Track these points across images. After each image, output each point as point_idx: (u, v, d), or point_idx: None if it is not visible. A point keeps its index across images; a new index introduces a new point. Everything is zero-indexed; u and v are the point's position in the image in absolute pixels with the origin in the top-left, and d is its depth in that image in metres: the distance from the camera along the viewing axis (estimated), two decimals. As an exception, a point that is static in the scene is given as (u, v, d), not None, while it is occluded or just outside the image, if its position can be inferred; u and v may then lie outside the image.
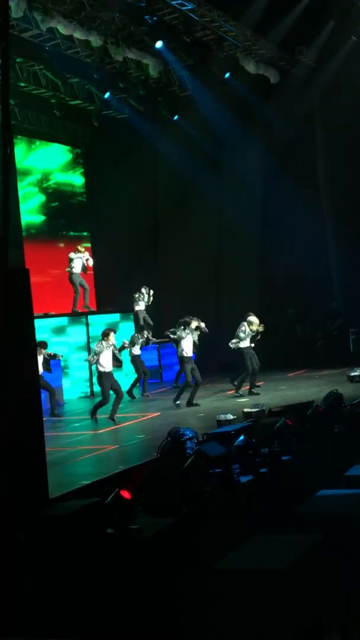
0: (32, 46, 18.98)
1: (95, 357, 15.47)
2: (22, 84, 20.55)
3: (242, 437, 10.21)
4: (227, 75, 21.34)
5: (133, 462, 10.87)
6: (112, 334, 15.82)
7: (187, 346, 17.04)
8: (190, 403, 16.69)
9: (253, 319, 17.94)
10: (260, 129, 23.15)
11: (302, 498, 7.74)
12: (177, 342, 17.24)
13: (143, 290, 21.06)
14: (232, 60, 21.13)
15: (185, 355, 17.03)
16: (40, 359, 16.06)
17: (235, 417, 13.14)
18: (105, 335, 15.80)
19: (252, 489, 9.31)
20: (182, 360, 17.13)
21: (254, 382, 17.80)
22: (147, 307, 21.21)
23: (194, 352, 17.43)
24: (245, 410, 13.66)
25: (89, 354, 18.93)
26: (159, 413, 16.18)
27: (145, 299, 21.03)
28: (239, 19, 20.17)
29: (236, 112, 22.52)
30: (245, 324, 17.79)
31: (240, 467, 9.76)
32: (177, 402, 16.67)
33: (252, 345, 17.86)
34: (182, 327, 17.23)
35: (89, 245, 24.63)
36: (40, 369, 15.85)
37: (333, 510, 7.66)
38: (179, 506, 8.49)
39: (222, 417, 13.14)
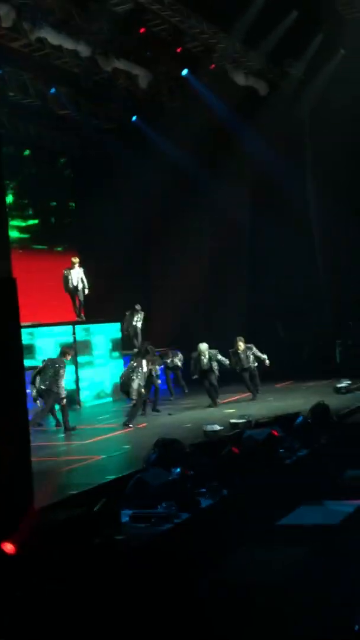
0: (21, 56, 18.96)
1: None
2: (11, 94, 20.53)
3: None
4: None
5: (120, 472, 10.85)
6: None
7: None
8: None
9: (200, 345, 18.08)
10: (249, 140, 23.19)
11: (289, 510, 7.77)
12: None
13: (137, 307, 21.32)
14: (221, 71, 21.20)
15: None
16: (33, 392, 15.87)
17: (222, 427, 13.13)
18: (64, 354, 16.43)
19: (238, 502, 9.30)
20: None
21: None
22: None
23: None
24: (232, 421, 13.67)
25: (75, 362, 19.06)
26: (145, 424, 16.15)
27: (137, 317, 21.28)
28: (229, 31, 20.26)
29: (226, 124, 22.55)
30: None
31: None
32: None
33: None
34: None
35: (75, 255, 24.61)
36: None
37: (315, 523, 7.69)
38: (166, 516, 8.48)
39: (208, 427, 13.14)
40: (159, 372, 17.91)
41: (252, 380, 18.59)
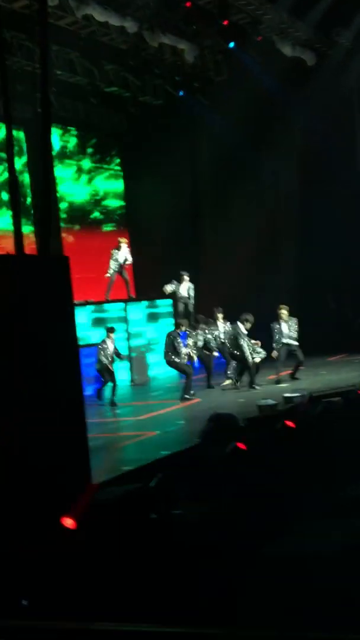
0: (68, 34, 18.97)
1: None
2: (58, 72, 20.56)
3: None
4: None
5: (175, 447, 10.88)
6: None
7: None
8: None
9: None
10: (298, 111, 22.98)
11: (348, 482, 7.73)
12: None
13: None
14: (268, 43, 20.99)
15: None
16: (111, 345, 16.84)
17: (276, 402, 13.11)
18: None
19: (296, 474, 9.28)
20: None
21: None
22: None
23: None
24: (286, 395, 13.63)
25: (127, 339, 19.24)
26: (199, 399, 16.19)
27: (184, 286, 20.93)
28: (275, 1, 20.04)
29: (273, 96, 22.33)
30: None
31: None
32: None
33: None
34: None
35: (125, 234, 24.67)
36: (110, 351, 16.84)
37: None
38: (221, 491, 8.50)
39: (262, 402, 13.13)
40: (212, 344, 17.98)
41: (294, 357, 17.41)
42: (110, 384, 16.70)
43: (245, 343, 16.75)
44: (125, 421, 14.77)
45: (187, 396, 16.16)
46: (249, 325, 16.97)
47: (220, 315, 18.28)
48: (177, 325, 17.20)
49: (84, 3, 17.35)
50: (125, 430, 13.59)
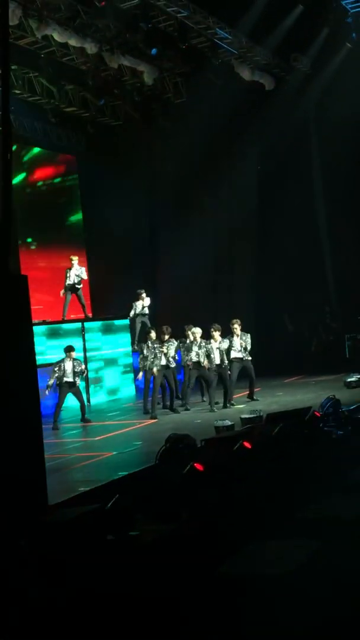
0: (28, 53, 18.98)
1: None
2: (17, 91, 20.53)
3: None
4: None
5: (132, 468, 10.87)
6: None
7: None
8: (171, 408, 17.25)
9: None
10: (255, 135, 23.21)
11: (302, 504, 7.76)
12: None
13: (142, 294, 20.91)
14: (227, 67, 21.18)
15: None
16: (70, 364, 16.61)
17: (232, 423, 13.14)
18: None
19: (250, 495, 9.29)
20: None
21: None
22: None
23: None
24: (243, 416, 13.68)
25: (85, 360, 19.11)
26: (156, 420, 16.17)
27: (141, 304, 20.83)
28: (234, 26, 20.24)
29: (232, 120, 22.51)
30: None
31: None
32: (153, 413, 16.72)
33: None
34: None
35: (82, 253, 24.61)
36: (71, 378, 16.61)
37: (332, 515, 7.69)
38: (178, 512, 8.48)
39: (219, 423, 13.16)
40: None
41: (247, 375, 17.44)
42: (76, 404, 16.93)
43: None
44: (82, 442, 14.69)
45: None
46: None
47: (190, 332, 18.10)
48: (161, 332, 17.28)
49: (44, 23, 17.35)
50: (82, 451, 13.52)
